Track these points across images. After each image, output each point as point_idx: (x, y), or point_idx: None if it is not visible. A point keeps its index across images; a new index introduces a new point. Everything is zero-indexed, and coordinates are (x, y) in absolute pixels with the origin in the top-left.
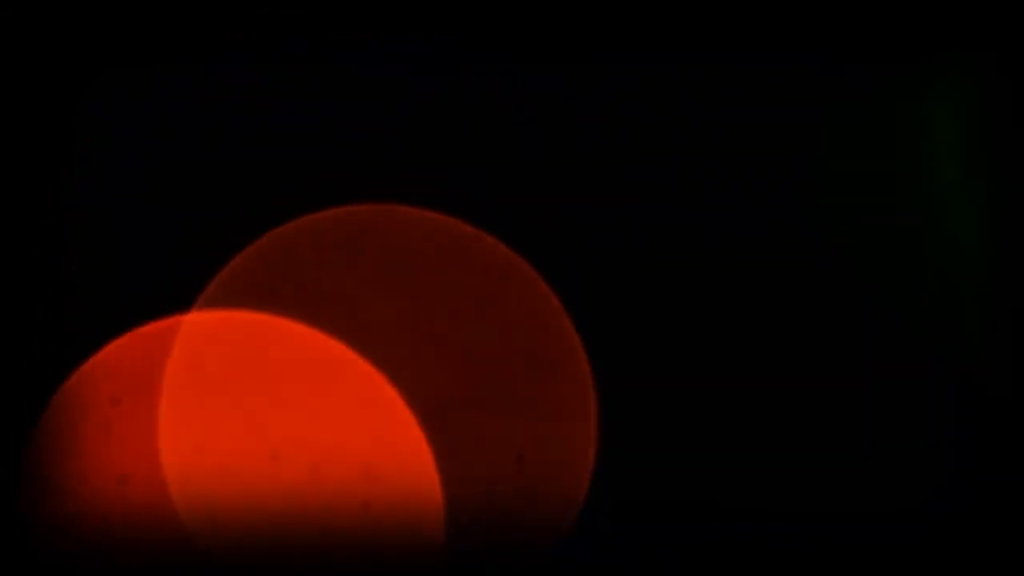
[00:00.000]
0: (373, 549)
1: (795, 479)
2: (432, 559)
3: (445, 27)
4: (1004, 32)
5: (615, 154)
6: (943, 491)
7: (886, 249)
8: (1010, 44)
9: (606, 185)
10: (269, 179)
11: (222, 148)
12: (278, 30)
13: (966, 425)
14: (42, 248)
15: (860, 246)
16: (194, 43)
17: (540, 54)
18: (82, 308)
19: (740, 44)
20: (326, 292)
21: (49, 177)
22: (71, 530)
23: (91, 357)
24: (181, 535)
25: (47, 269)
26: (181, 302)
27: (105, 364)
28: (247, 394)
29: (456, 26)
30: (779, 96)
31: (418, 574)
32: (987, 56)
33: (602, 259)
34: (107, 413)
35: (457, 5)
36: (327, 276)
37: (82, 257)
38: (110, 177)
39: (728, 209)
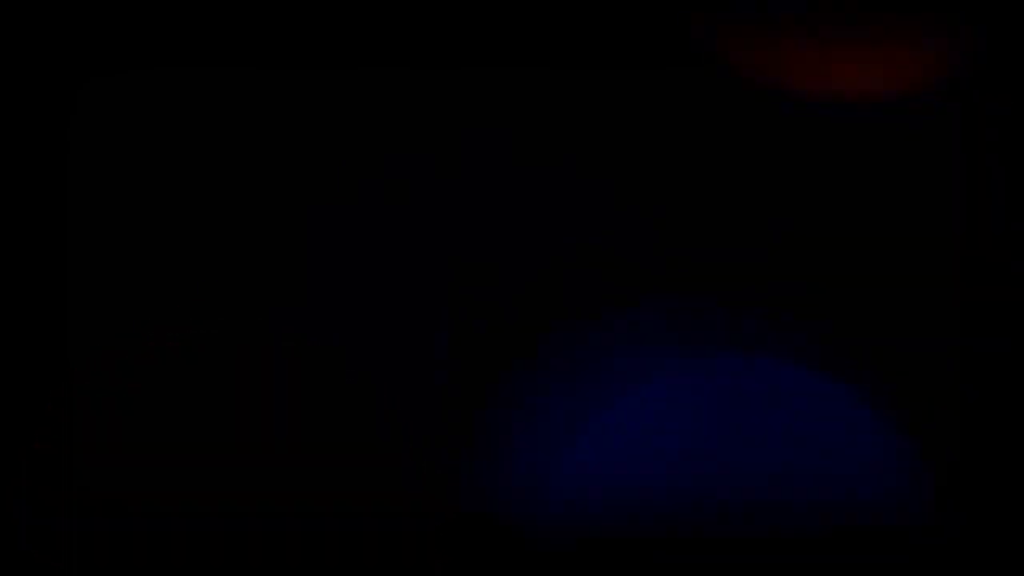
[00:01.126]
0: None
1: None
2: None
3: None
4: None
5: None
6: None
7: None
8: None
9: None
10: (260, 182)
11: (212, 152)
12: (265, 36)
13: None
14: (37, 252)
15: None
16: (181, 50)
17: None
18: (79, 311)
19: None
20: None
21: (40, 182)
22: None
23: (79, 372)
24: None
25: (42, 273)
26: (175, 305)
27: (98, 378)
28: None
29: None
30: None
31: None
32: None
33: None
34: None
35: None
36: None
37: (76, 262)
38: (100, 180)
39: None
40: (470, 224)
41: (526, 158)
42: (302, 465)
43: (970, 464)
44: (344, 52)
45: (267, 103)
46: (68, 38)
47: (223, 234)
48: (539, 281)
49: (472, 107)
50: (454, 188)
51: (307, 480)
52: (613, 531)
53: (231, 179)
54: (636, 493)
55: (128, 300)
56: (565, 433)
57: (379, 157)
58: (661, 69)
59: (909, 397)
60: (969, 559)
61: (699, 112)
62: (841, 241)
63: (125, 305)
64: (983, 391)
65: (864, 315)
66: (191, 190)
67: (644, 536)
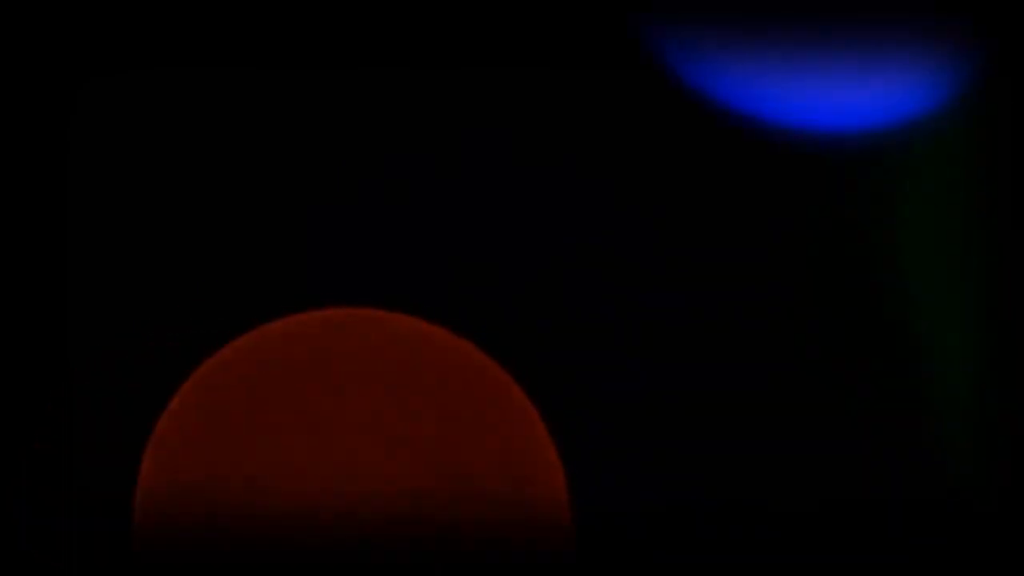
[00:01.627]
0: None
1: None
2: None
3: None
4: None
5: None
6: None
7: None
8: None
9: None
10: (260, 182)
11: (212, 152)
12: (265, 36)
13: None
14: (37, 252)
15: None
16: (181, 50)
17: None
18: (79, 311)
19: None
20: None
21: (40, 181)
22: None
23: (79, 372)
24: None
25: (42, 273)
26: (175, 305)
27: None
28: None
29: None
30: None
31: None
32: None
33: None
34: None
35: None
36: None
37: (76, 262)
38: (100, 180)
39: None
40: (470, 224)
41: (526, 158)
42: (302, 465)
43: (970, 464)
44: (344, 52)
45: (267, 103)
46: (68, 38)
47: (223, 234)
48: (539, 281)
49: (472, 107)
50: (454, 188)
51: (307, 480)
52: (613, 531)
53: (231, 179)
54: (637, 493)
55: (128, 300)
56: (565, 433)
57: (379, 157)
58: (662, 69)
59: (910, 397)
60: (969, 559)
61: (699, 112)
62: (841, 241)
63: (125, 305)
64: (983, 391)
65: (863, 315)
66: (191, 190)
67: (645, 535)
